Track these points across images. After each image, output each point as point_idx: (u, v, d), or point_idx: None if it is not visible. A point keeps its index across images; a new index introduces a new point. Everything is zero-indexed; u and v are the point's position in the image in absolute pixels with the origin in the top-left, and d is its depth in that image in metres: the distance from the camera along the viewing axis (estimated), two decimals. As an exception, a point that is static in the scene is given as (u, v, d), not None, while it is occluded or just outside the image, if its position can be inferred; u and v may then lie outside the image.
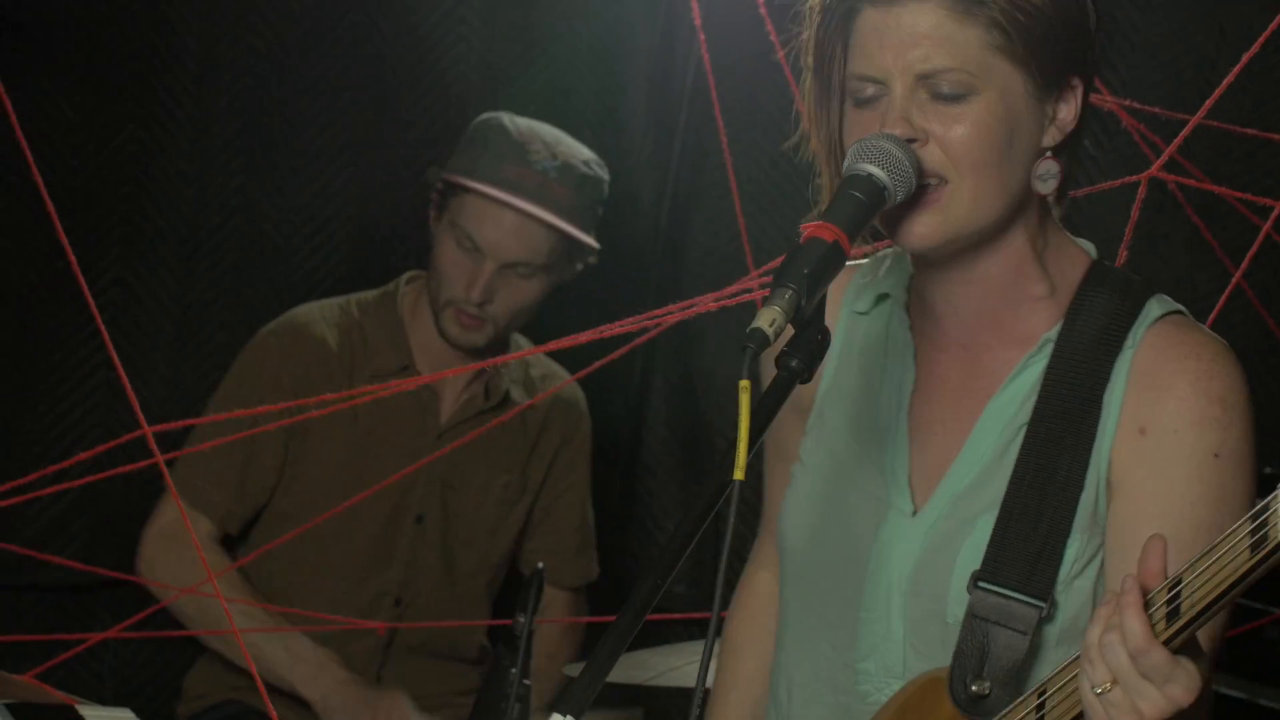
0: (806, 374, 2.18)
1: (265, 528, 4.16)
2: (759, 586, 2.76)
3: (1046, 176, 2.42)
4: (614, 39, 4.78)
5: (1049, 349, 2.44)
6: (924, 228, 2.36)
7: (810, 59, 2.45)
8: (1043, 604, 2.36)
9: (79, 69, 4.41)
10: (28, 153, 2.97)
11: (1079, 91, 2.42)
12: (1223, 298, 3.22)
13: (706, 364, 4.82)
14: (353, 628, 4.04)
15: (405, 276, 4.29)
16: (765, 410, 2.14)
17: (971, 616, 2.38)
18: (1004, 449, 2.43)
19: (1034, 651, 2.38)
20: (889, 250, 2.60)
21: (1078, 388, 2.40)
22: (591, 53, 4.78)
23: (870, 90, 2.37)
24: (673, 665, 3.57)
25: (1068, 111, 2.42)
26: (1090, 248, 2.52)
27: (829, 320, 2.25)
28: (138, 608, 3.87)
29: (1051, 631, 2.39)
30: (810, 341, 2.19)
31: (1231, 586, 2.08)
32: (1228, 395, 2.36)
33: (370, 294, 4.28)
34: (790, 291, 2.15)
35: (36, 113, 4.35)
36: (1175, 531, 2.29)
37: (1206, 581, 2.09)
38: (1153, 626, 2.12)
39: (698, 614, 4.08)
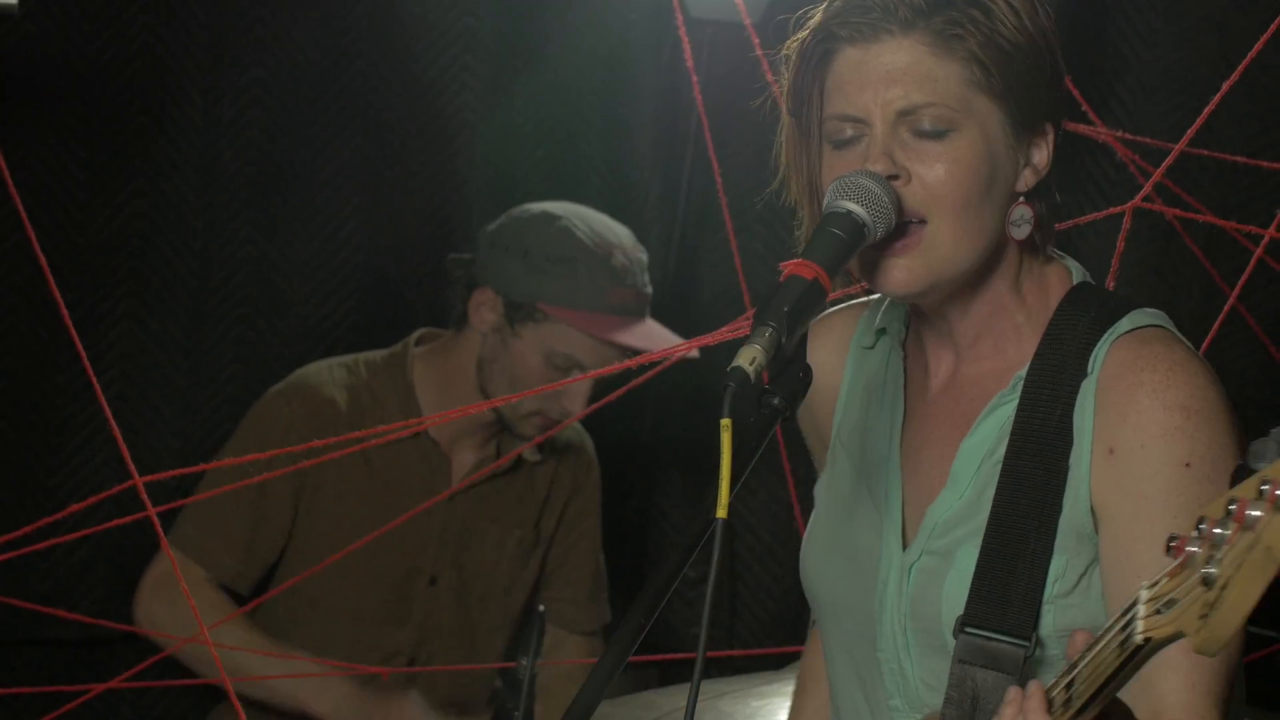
0: (789, 411, 2.19)
1: (278, 585, 4.15)
2: None
3: (1020, 222, 2.40)
4: (619, 85, 4.80)
5: (1021, 386, 2.42)
6: (904, 273, 2.34)
7: (789, 102, 2.44)
8: (1026, 643, 2.34)
9: (85, 124, 4.44)
10: (19, 203, 3.00)
11: (1051, 137, 2.41)
12: (1216, 323, 3.22)
13: (717, 404, 4.80)
14: (356, 673, 4.04)
15: (414, 337, 4.26)
16: (748, 449, 2.15)
17: (959, 662, 2.36)
18: (983, 487, 2.42)
19: None
20: None
21: (1049, 419, 2.38)
22: (597, 99, 4.80)
23: (850, 131, 2.36)
24: (678, 705, 3.56)
25: (1040, 157, 2.41)
26: (1075, 269, 2.49)
27: (842, 358, 2.23)
28: (154, 660, 3.89)
29: (1041, 667, 2.37)
30: (792, 379, 2.19)
31: (1106, 682, 2.02)
32: (1189, 402, 2.31)
33: (377, 354, 4.24)
34: (770, 329, 2.15)
35: (43, 168, 4.40)
36: (1162, 549, 2.28)
37: (1093, 672, 2.04)
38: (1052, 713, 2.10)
39: (714, 653, 4.07)
